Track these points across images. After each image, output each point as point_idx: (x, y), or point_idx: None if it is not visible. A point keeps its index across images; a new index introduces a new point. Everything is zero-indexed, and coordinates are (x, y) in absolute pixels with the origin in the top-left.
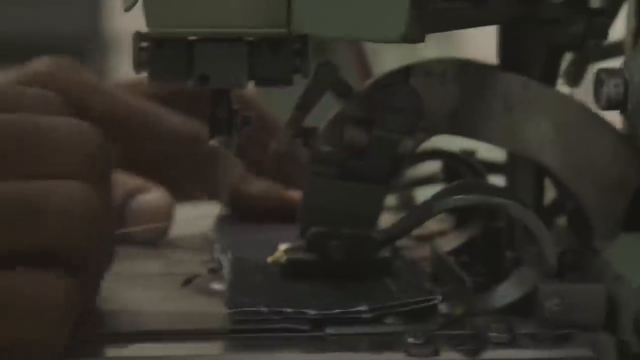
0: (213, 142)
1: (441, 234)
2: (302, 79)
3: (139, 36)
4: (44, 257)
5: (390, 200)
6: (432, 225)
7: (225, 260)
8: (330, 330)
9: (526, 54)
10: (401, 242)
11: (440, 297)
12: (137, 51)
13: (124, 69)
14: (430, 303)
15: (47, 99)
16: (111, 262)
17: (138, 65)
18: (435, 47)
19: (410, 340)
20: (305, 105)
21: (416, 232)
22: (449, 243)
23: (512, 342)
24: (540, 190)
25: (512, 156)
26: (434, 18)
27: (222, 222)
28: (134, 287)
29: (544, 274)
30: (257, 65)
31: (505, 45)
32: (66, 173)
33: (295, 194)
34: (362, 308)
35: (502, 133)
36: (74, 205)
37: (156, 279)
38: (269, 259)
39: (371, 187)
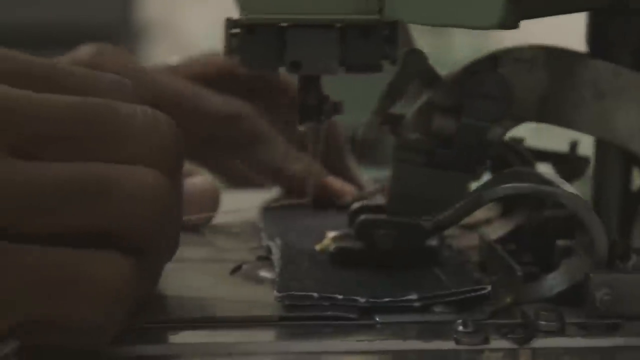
0: (302, 128)
1: (487, 222)
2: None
3: (230, 22)
4: (109, 238)
5: None
6: (478, 213)
7: (275, 247)
8: (379, 319)
9: (615, 42)
10: (447, 231)
11: (489, 287)
12: (228, 37)
13: (154, 57)
14: (480, 292)
15: (123, 86)
16: (175, 251)
17: (229, 52)
18: (463, 34)
19: (460, 328)
20: (392, 92)
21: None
22: (495, 231)
23: (561, 331)
24: (628, 178)
25: (601, 144)
26: (527, 5)
27: (267, 210)
28: (183, 274)
29: (594, 263)
30: (348, 51)
31: (594, 32)
32: (139, 161)
33: (335, 181)
34: (412, 297)
35: (591, 121)
36: (144, 191)
37: (205, 266)
38: (317, 247)
39: (458, 175)
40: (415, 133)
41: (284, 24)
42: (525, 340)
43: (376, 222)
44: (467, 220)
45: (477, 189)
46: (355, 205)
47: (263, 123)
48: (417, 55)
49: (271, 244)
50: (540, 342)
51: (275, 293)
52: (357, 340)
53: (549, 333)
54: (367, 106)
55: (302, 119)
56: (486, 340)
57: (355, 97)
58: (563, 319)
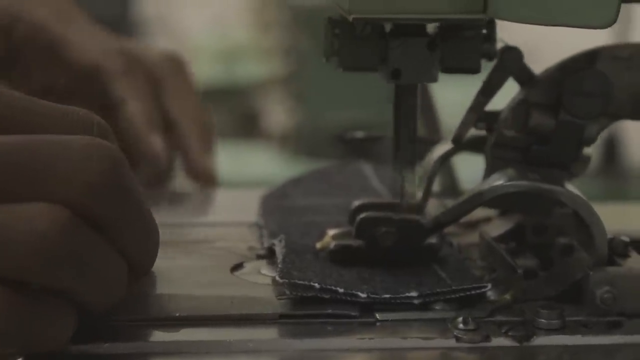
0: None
1: (487, 220)
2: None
3: (332, 22)
4: None
5: (435, 186)
6: (478, 211)
7: (277, 241)
8: (380, 316)
9: None
10: (447, 229)
11: (489, 285)
12: (330, 38)
13: None
14: (480, 290)
15: (73, 118)
16: (150, 265)
17: (330, 54)
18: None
19: (461, 326)
20: (489, 89)
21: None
22: (496, 229)
23: (562, 329)
24: None
25: None
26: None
27: (265, 207)
28: (184, 272)
29: (595, 261)
30: (446, 52)
31: None
32: (58, 202)
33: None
34: (413, 294)
35: None
36: (32, 236)
37: (205, 264)
38: (318, 245)
39: (553, 172)
40: (510, 130)
41: (386, 29)
42: (526, 338)
43: (376, 219)
44: (468, 217)
45: (478, 187)
46: (356, 203)
47: (123, 85)
48: (514, 53)
49: (274, 241)
50: (540, 340)
51: (277, 278)
52: (358, 338)
53: (550, 331)
54: (351, 104)
55: None
56: (487, 338)
57: (339, 95)
58: (563, 316)
